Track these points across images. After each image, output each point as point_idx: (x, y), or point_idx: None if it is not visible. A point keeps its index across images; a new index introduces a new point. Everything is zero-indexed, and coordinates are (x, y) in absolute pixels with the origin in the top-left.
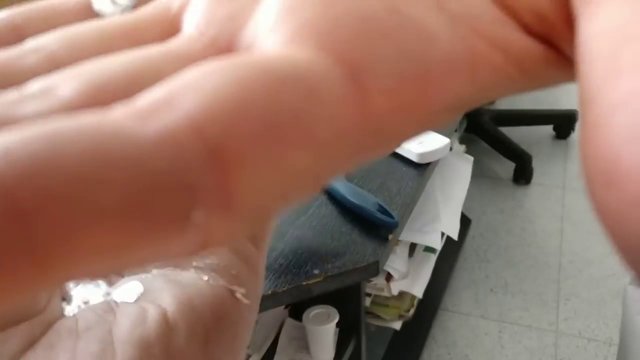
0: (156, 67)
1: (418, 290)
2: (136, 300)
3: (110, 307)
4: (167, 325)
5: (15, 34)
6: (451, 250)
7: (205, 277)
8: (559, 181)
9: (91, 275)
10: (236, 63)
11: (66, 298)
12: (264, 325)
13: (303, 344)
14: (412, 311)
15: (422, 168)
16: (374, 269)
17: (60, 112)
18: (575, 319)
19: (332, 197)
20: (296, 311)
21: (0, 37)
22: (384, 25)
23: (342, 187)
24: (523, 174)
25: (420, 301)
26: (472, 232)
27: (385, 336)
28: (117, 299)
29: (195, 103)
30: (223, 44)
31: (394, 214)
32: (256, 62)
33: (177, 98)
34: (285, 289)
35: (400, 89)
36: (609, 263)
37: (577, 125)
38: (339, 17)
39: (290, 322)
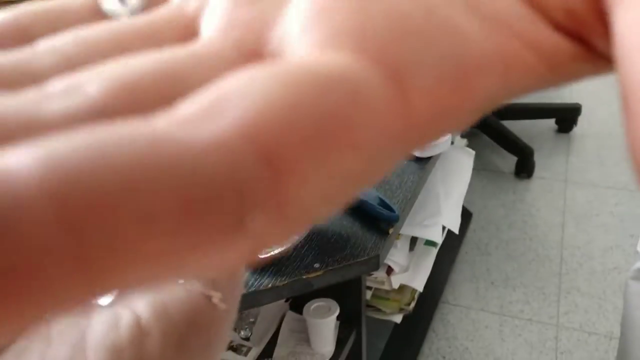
0: (184, 69)
1: (419, 284)
2: (110, 304)
3: (83, 312)
4: (140, 331)
5: (22, 35)
6: (452, 243)
7: (181, 281)
8: (560, 175)
9: (142, 284)
10: (281, 69)
11: None
12: (264, 319)
13: (304, 336)
14: (412, 304)
15: (423, 162)
16: (375, 262)
17: (88, 111)
18: (576, 313)
19: None
20: (297, 304)
21: (7, 38)
22: (419, 26)
23: None
24: (525, 168)
25: (421, 294)
26: (473, 225)
27: (385, 329)
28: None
29: (245, 110)
30: (247, 48)
31: (394, 207)
32: (300, 68)
33: (226, 105)
34: (285, 282)
35: (438, 90)
36: (611, 257)
37: (580, 119)
38: (373, 19)
39: (291, 315)
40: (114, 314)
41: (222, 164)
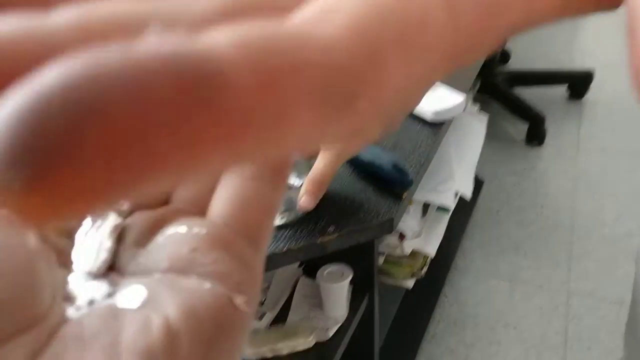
0: None
1: (431, 250)
2: (140, 307)
3: (114, 313)
4: (171, 335)
5: None
6: (463, 211)
7: (208, 285)
8: (572, 142)
9: (295, 150)
10: None
11: (68, 298)
12: (278, 284)
13: (317, 301)
14: (424, 270)
15: (436, 127)
16: (389, 226)
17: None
18: (587, 279)
19: None
20: (310, 270)
21: None
22: None
23: None
24: (536, 135)
25: (432, 260)
26: (484, 193)
27: (397, 295)
28: (121, 304)
29: (348, 17)
30: None
31: (408, 172)
32: None
33: (333, 13)
34: (300, 246)
35: (478, 16)
36: (622, 224)
37: (592, 86)
38: None
39: (304, 280)
40: (145, 316)
41: (344, 55)
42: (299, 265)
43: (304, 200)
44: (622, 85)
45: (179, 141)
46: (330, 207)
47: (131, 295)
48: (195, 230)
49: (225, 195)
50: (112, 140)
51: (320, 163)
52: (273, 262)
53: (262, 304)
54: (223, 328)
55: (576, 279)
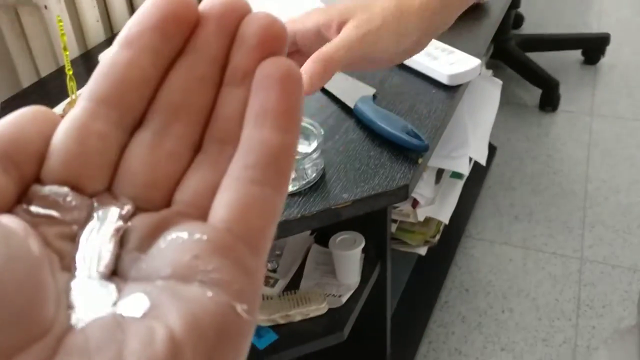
0: None
1: (444, 216)
2: (143, 316)
3: (117, 323)
4: (174, 347)
5: None
6: (476, 177)
7: (210, 293)
8: (586, 108)
9: None
10: None
11: (72, 306)
12: (290, 251)
13: (329, 269)
14: (437, 237)
15: (452, 90)
16: (404, 192)
17: None
18: (601, 246)
19: (360, 121)
20: (322, 238)
21: None
22: None
23: (369, 110)
24: (550, 101)
25: (444, 228)
26: (497, 159)
27: (408, 262)
28: (123, 313)
29: None
30: None
31: (423, 137)
32: None
33: None
34: (314, 212)
35: None
36: (636, 190)
37: (607, 50)
38: None
39: (316, 247)
40: (148, 327)
41: None
42: (311, 233)
43: (305, 82)
44: (638, 50)
45: None
46: (344, 174)
47: (134, 303)
48: (197, 236)
49: (227, 199)
50: None
51: (333, 43)
52: (286, 229)
53: (274, 271)
54: (226, 337)
55: (589, 246)
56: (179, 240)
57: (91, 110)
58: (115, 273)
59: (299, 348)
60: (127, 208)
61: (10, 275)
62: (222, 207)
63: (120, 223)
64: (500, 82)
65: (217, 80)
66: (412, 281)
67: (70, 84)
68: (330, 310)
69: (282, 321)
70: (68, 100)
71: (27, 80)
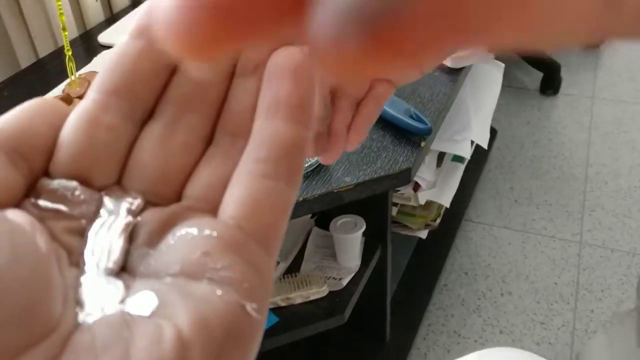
0: None
1: (446, 200)
2: (151, 315)
3: (125, 322)
4: (182, 347)
5: None
6: (476, 161)
7: (219, 292)
8: (587, 91)
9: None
10: None
11: (79, 303)
12: (291, 235)
13: (329, 251)
14: (438, 220)
15: (454, 73)
16: (406, 175)
17: None
18: (600, 230)
19: None
20: (322, 221)
21: None
22: None
23: None
24: (551, 84)
25: (444, 211)
26: (497, 143)
27: (408, 246)
28: (131, 311)
29: None
30: None
31: (426, 120)
32: None
33: None
34: (317, 196)
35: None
36: (636, 174)
37: None
38: None
39: (317, 231)
40: (156, 326)
41: None
42: (312, 217)
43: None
44: None
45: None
46: (346, 158)
47: (142, 301)
48: (207, 232)
49: (238, 194)
50: (434, 10)
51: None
52: None
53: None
54: (235, 337)
55: (588, 230)
56: (188, 237)
57: (101, 102)
58: (123, 268)
59: (299, 330)
60: (137, 202)
61: (15, 274)
62: (232, 202)
63: (130, 218)
64: (502, 64)
65: (229, 71)
66: (412, 264)
67: (70, 65)
68: (330, 293)
69: (282, 304)
70: (67, 81)
71: (25, 60)
